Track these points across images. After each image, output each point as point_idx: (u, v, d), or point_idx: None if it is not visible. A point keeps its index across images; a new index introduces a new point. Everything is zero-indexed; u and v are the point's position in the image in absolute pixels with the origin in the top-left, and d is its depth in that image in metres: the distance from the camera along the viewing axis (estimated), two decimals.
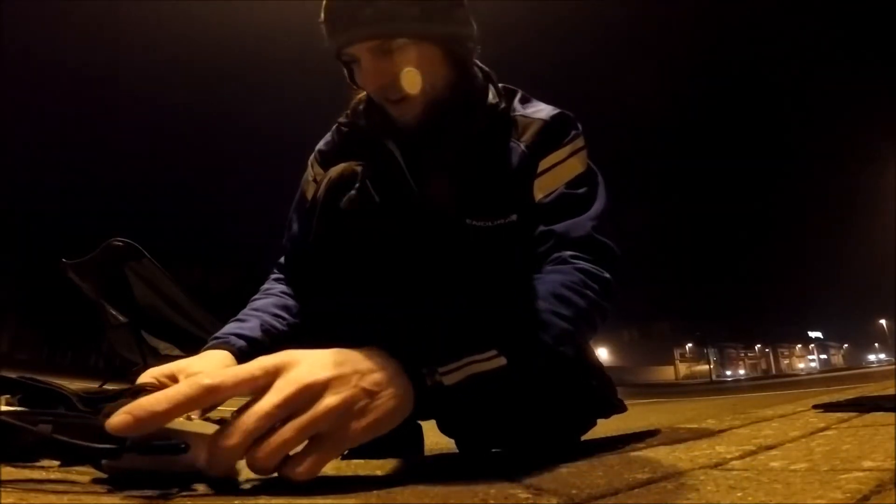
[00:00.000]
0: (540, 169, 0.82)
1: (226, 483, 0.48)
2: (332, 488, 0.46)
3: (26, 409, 0.55)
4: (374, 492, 0.46)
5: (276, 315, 0.85)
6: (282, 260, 0.97)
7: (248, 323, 0.81)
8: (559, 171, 0.82)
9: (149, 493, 0.43)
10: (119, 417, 0.41)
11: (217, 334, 0.79)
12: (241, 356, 0.75)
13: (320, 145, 0.95)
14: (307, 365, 0.46)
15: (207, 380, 0.44)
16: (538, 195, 0.81)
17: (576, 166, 0.83)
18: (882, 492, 0.38)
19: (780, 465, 0.52)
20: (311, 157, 0.96)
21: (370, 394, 0.47)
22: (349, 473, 0.58)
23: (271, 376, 0.46)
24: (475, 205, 0.80)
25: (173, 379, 0.67)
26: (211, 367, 0.71)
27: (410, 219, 0.80)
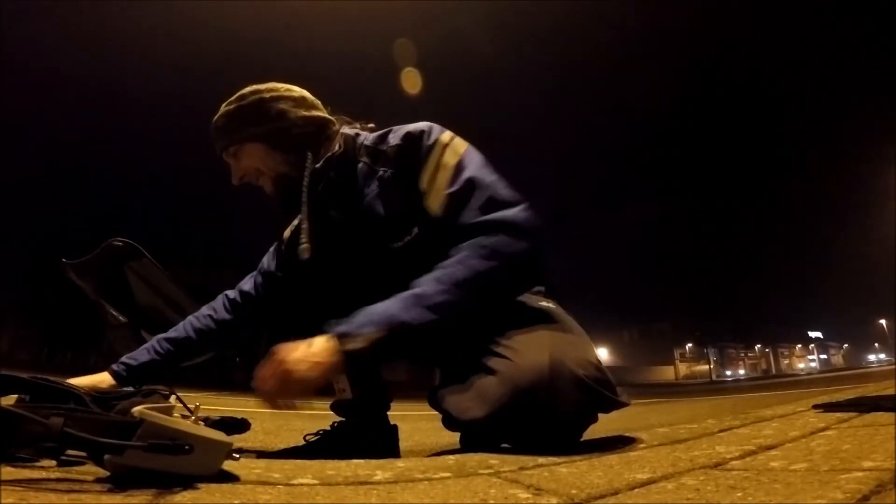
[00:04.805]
0: (422, 189, 0.94)
1: (226, 484, 0.48)
2: (332, 488, 0.46)
3: (38, 405, 0.56)
4: (374, 492, 0.46)
5: (169, 339, 1.18)
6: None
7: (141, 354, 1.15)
8: (437, 183, 0.93)
9: (150, 492, 0.43)
10: None
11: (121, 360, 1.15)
12: (119, 378, 1.10)
13: None
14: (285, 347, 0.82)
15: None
16: (433, 212, 0.93)
17: (447, 167, 0.93)
18: (882, 492, 0.39)
19: (780, 465, 0.52)
20: None
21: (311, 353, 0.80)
22: (349, 473, 0.58)
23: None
24: (385, 232, 0.96)
25: None
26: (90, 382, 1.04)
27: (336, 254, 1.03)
